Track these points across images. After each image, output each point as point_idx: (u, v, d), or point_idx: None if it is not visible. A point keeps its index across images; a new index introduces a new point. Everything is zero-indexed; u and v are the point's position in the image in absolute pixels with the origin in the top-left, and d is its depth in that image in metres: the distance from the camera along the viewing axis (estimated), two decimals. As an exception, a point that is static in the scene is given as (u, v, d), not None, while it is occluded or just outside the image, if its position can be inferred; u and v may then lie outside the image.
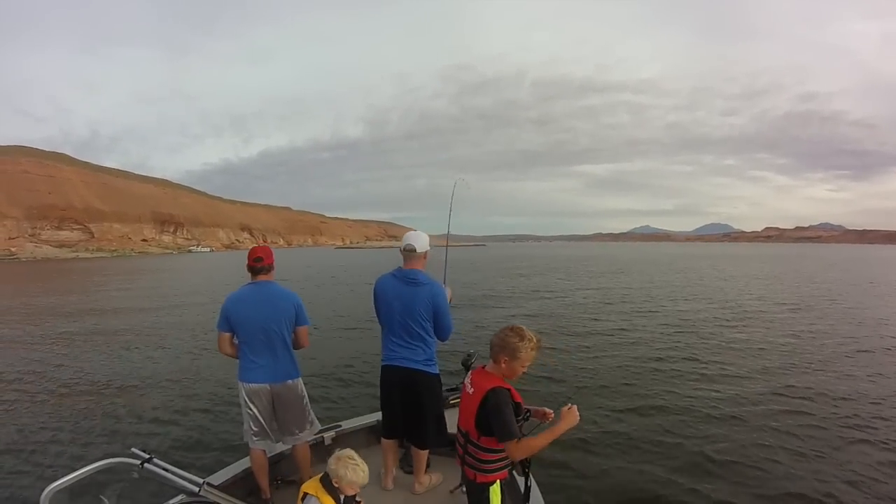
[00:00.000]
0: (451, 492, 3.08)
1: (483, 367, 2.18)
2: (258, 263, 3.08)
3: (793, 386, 7.19)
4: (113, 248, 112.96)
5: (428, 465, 3.26)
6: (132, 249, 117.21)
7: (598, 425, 5.56)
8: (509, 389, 2.08)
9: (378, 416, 3.49)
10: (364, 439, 3.70)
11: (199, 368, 8.04)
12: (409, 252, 3.06)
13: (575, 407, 2.07)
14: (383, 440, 3.22)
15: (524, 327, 2.10)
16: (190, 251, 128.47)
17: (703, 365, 8.40)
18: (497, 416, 1.98)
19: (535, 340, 2.06)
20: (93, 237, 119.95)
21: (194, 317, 14.20)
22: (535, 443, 2.00)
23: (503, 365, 2.08)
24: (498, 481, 2.14)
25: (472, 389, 2.10)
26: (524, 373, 2.13)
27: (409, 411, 3.09)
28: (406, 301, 3.01)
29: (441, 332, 3.14)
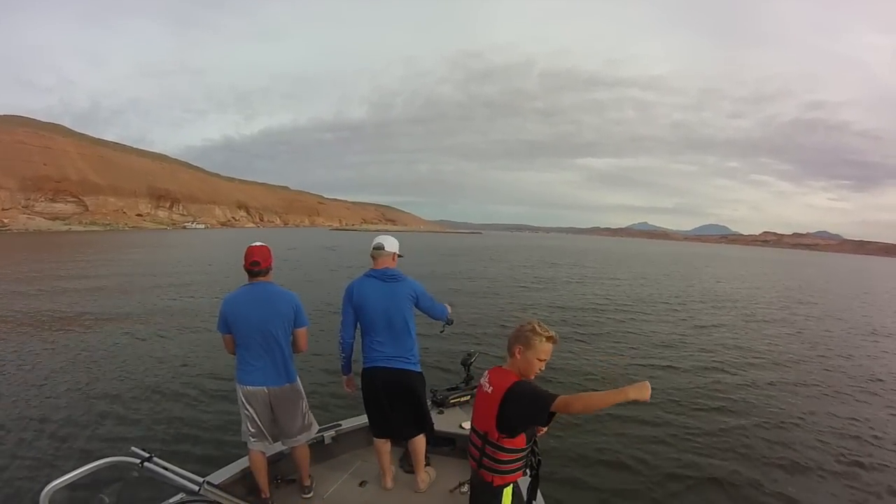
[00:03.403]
0: (451, 491, 3.13)
1: (500, 367, 2.18)
2: (255, 268, 3.00)
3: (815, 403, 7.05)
4: (107, 222, 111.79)
5: (427, 464, 3.33)
6: (126, 224, 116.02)
7: (608, 434, 5.44)
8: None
9: None
10: (364, 438, 3.64)
11: (199, 365, 7.86)
12: (378, 251, 3.17)
13: (648, 383, 1.90)
14: (376, 441, 3.22)
15: (539, 321, 2.13)
16: (185, 227, 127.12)
17: (723, 375, 8.23)
18: (528, 396, 1.97)
19: (550, 333, 2.09)
20: (87, 210, 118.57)
21: (191, 304, 13.81)
22: (596, 397, 1.89)
23: (518, 356, 2.09)
24: (511, 483, 2.12)
25: (491, 388, 2.08)
26: (542, 370, 2.12)
27: (398, 410, 3.14)
28: (388, 297, 3.08)
29: (435, 312, 3.29)
